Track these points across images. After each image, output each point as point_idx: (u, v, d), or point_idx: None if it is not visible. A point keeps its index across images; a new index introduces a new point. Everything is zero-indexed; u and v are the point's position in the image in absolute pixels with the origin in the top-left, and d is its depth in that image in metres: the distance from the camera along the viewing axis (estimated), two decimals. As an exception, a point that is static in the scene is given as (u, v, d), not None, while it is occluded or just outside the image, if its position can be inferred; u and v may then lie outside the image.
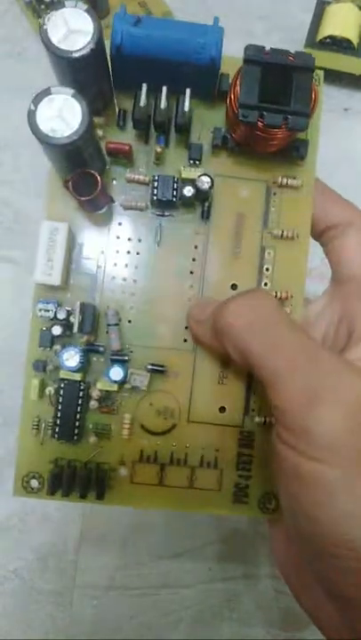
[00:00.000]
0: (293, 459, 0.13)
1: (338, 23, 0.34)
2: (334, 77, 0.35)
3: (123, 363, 0.17)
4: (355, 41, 0.34)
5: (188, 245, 0.18)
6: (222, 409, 0.18)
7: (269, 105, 0.15)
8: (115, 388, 0.17)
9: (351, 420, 0.12)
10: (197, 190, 0.17)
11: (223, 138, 0.17)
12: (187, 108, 0.16)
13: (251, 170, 0.18)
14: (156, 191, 0.17)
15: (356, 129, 0.35)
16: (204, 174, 0.17)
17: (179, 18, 0.36)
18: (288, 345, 0.13)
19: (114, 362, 0.17)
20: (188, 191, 0.17)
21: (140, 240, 0.18)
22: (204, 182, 0.17)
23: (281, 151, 0.17)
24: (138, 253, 0.18)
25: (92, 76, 0.15)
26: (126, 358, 0.17)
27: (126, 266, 0.18)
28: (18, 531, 0.28)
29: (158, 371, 0.17)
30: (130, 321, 0.17)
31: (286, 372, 0.13)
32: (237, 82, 0.16)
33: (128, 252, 0.18)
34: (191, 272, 0.18)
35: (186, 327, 0.18)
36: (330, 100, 0.35)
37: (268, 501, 0.18)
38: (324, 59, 0.34)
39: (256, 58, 0.15)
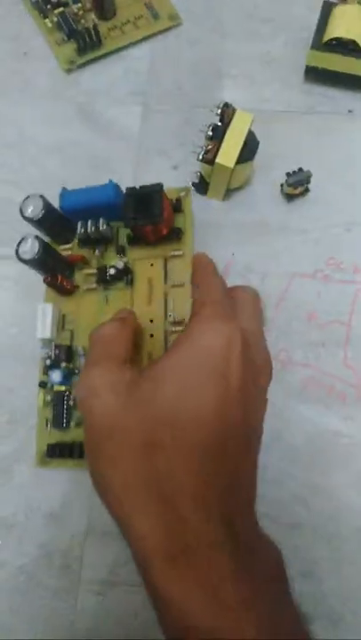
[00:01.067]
0: None
1: (344, 25, 0.34)
2: (339, 79, 0.35)
3: (88, 376, 0.28)
4: (361, 43, 0.33)
5: (122, 300, 0.29)
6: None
7: (139, 216, 0.27)
8: (83, 391, 0.28)
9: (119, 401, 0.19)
10: (119, 269, 0.29)
11: (132, 237, 0.30)
12: (104, 227, 0.29)
13: (153, 251, 0.30)
14: (100, 275, 0.29)
15: (360, 131, 0.35)
16: (120, 260, 0.29)
17: (185, 18, 0.38)
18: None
19: (82, 376, 0.28)
20: (114, 270, 0.29)
21: (93, 306, 0.30)
22: (120, 264, 0.29)
23: (167, 236, 0.29)
24: (96, 311, 0.30)
25: (50, 228, 0.29)
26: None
27: (89, 318, 0.30)
28: (23, 527, 0.29)
29: (110, 379, 0.28)
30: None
31: None
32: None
33: (90, 311, 0.30)
34: (124, 317, 0.29)
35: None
36: (334, 101, 0.36)
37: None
38: (330, 60, 0.34)
39: (129, 193, 0.28)
